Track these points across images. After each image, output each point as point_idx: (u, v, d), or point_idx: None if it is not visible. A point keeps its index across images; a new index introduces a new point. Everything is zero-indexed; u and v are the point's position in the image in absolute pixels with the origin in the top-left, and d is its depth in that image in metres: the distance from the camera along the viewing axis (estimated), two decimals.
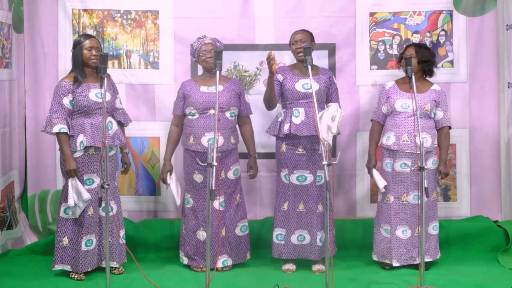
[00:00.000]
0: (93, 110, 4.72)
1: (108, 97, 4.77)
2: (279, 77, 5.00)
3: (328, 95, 5.04)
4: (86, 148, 4.72)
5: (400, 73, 5.18)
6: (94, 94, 4.73)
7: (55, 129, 4.64)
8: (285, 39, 5.36)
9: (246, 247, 5.14)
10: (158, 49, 5.62)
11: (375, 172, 5.06)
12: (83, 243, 4.73)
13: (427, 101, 4.97)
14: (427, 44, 5.54)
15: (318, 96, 4.93)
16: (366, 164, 5.16)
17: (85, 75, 4.76)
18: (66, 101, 4.69)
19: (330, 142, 4.78)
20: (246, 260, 5.13)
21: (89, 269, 4.77)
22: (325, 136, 4.72)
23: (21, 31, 5.54)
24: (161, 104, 5.54)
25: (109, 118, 4.79)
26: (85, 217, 4.73)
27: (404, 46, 5.26)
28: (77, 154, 4.72)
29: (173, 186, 5.05)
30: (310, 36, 5.01)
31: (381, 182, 4.99)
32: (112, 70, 5.40)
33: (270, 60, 4.67)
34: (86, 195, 4.65)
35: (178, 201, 5.06)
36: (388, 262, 4.98)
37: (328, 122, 4.75)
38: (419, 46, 5.07)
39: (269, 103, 4.99)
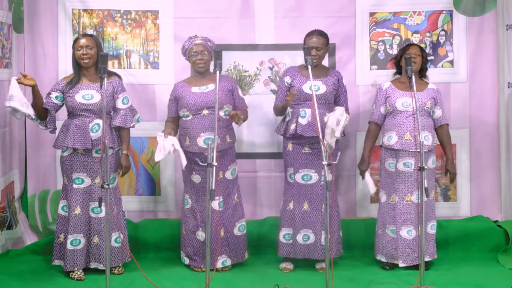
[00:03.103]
0: (78, 112, 4.73)
1: (98, 98, 4.73)
2: (288, 79, 5.02)
3: (336, 97, 5.04)
4: (75, 148, 4.73)
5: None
6: (81, 96, 4.72)
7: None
8: (285, 39, 5.38)
9: (244, 246, 5.13)
10: (158, 49, 5.61)
11: (367, 176, 5.07)
12: (68, 242, 4.74)
13: (427, 98, 4.97)
14: (427, 44, 5.56)
15: (325, 98, 4.95)
16: (358, 165, 5.16)
17: (79, 75, 4.77)
18: (53, 95, 4.78)
19: (333, 145, 4.78)
20: (244, 259, 5.13)
21: (75, 269, 4.76)
22: (329, 139, 4.75)
23: (21, 31, 5.54)
24: (161, 104, 5.53)
25: (97, 121, 4.73)
26: (71, 216, 4.74)
27: (404, 45, 5.26)
28: (66, 153, 4.75)
29: (178, 147, 4.76)
30: (326, 40, 4.97)
31: (372, 187, 5.03)
32: (112, 70, 5.39)
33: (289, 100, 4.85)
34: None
35: (184, 162, 4.78)
36: (397, 262, 4.97)
37: (333, 125, 4.75)
38: (420, 47, 5.09)
39: (279, 114, 5.12)
